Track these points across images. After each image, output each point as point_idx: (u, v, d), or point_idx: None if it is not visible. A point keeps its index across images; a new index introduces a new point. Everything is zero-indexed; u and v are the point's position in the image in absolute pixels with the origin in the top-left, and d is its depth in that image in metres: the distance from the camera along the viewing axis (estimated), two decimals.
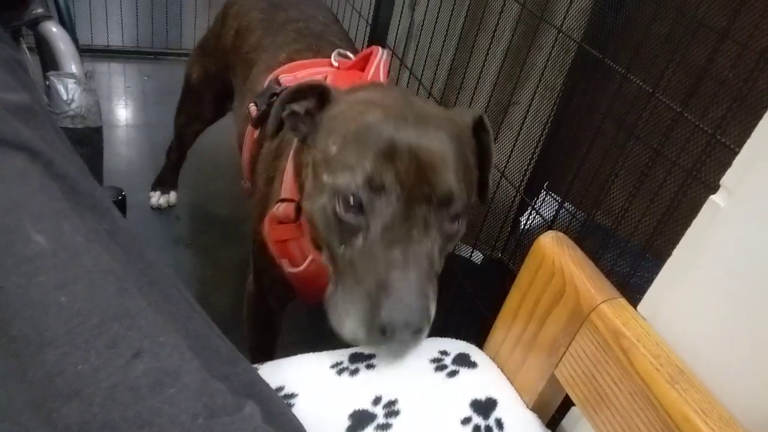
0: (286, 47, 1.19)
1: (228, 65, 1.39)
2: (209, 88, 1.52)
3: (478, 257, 1.63)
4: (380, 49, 1.03)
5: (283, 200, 0.87)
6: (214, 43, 1.47)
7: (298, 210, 0.85)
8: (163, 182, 1.82)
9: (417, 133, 0.66)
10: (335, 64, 1.06)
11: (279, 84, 1.00)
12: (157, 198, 1.80)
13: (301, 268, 0.90)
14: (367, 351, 0.71)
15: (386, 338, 0.61)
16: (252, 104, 0.89)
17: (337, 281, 0.68)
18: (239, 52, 1.31)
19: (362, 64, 1.03)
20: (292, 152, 0.89)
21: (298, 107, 0.77)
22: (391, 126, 0.67)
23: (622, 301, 0.58)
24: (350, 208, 0.66)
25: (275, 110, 0.76)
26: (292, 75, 1.03)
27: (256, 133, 1.05)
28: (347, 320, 0.64)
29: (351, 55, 1.07)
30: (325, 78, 1.00)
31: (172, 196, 1.83)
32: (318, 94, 0.76)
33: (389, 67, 1.02)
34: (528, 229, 1.41)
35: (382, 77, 0.99)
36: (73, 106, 0.92)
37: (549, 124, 1.36)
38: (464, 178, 0.68)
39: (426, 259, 0.64)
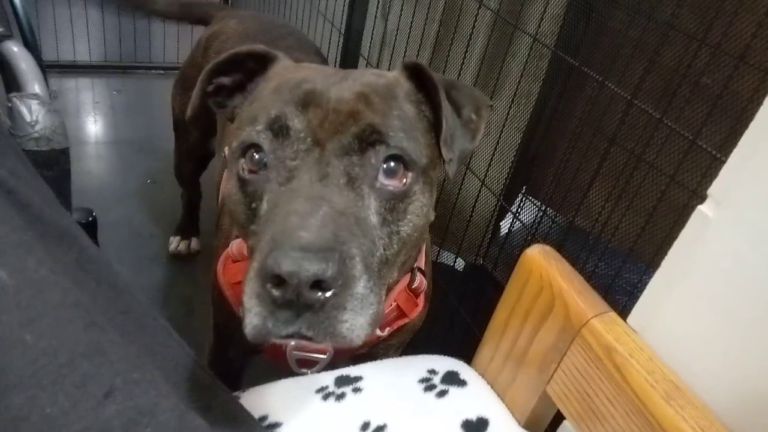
0: None
1: None
2: (194, 124, 1.42)
3: (460, 265, 1.62)
4: None
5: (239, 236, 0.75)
6: (196, 75, 1.39)
7: None
8: (183, 228, 1.73)
9: (338, 86, 0.57)
10: None
11: None
12: (176, 244, 1.71)
13: None
14: (352, 373, 0.69)
15: (285, 306, 0.46)
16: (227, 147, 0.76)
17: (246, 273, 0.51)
18: None
19: None
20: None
21: (227, 80, 0.68)
22: (311, 81, 0.58)
23: (613, 315, 0.57)
24: (254, 164, 0.55)
25: (200, 84, 0.66)
26: None
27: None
28: (248, 315, 0.48)
29: None
30: None
31: (194, 242, 1.73)
32: (257, 61, 0.67)
33: None
34: (508, 234, 1.40)
35: None
36: (38, 128, 0.88)
37: (526, 131, 1.36)
38: (401, 125, 0.57)
39: (346, 216, 0.50)
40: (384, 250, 0.54)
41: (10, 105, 0.89)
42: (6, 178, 0.54)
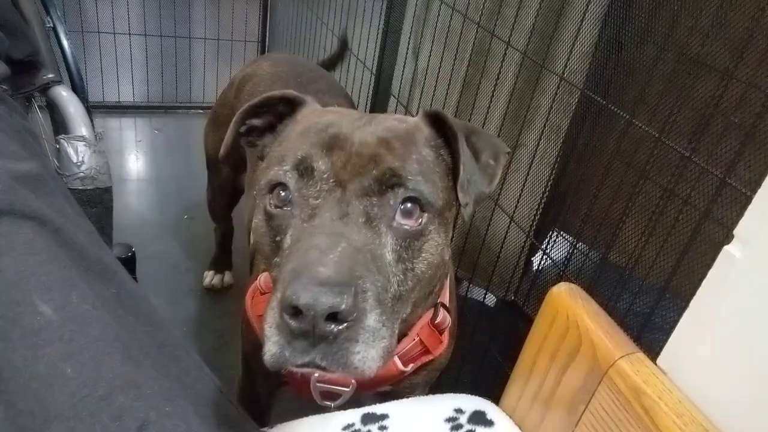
0: None
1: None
2: (226, 161, 1.47)
3: (491, 300, 1.61)
4: None
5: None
6: (228, 114, 1.43)
7: None
8: (217, 262, 1.79)
9: (362, 131, 0.61)
10: None
11: None
12: (210, 278, 1.76)
13: None
14: (378, 410, 0.69)
15: (301, 336, 0.48)
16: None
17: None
18: None
19: None
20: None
21: (258, 121, 0.73)
22: (337, 125, 0.62)
23: (641, 355, 0.56)
24: (280, 200, 0.59)
25: (233, 125, 0.71)
26: None
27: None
28: (268, 343, 0.51)
29: None
30: None
31: (227, 276, 1.78)
32: (287, 104, 0.72)
33: None
34: (540, 270, 1.39)
35: None
36: (83, 168, 0.94)
37: (556, 166, 1.36)
38: (420, 169, 0.60)
39: (362, 252, 0.53)
40: (398, 285, 0.57)
41: (57, 146, 0.95)
42: (54, 218, 0.58)
